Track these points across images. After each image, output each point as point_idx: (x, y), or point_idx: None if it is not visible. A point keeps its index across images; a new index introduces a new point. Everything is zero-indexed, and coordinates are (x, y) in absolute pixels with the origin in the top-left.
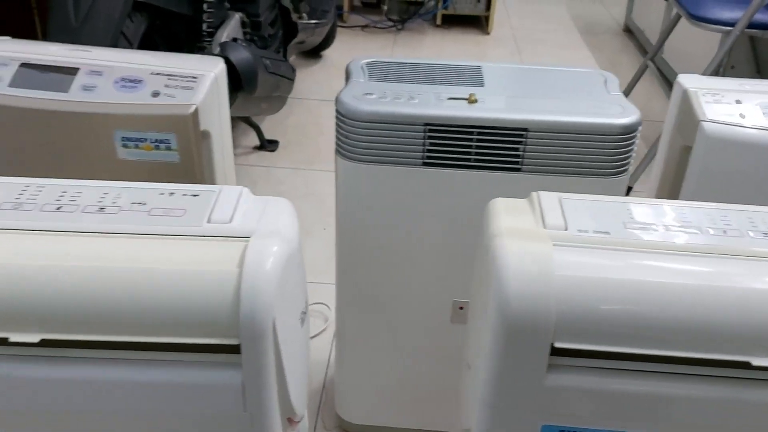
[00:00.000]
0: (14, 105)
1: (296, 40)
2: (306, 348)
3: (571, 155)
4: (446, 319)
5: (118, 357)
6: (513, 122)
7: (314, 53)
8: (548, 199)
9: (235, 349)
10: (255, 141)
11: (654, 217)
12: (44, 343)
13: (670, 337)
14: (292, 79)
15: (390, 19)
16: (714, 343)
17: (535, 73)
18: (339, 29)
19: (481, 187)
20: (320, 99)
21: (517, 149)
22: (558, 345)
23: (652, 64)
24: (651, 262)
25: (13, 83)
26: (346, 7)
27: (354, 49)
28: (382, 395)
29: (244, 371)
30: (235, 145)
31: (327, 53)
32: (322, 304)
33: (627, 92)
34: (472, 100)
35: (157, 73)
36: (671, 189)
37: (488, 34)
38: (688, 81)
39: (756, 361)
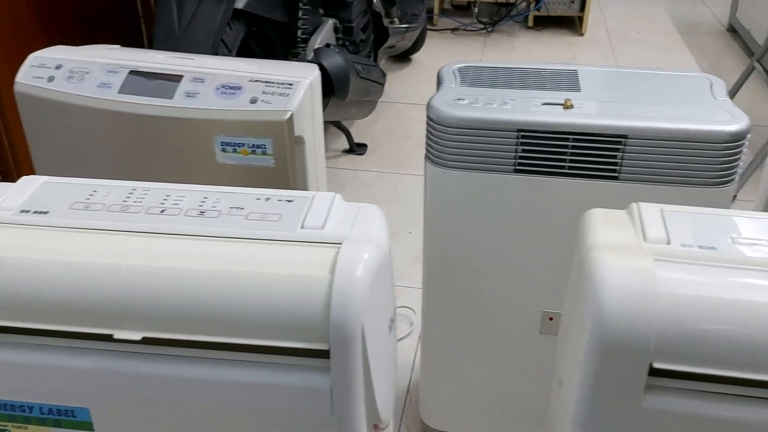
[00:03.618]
0: (123, 110)
1: (387, 44)
2: (394, 355)
3: (673, 164)
4: (535, 329)
5: (212, 357)
6: (611, 129)
7: (403, 57)
8: (649, 210)
9: (324, 354)
10: (344, 144)
11: (765, 232)
12: (145, 341)
13: None
14: (382, 84)
15: (480, 22)
16: None
17: (635, 77)
18: (428, 32)
19: (575, 195)
20: (409, 103)
21: (615, 157)
22: (657, 365)
23: (759, 65)
24: (761, 281)
25: (123, 90)
26: (436, 10)
27: (443, 53)
28: (467, 403)
29: (333, 376)
30: (325, 149)
31: (416, 57)
32: (407, 307)
33: (732, 95)
34: (567, 106)
35: (256, 80)
36: None
37: (582, 35)
38: None
39: None
